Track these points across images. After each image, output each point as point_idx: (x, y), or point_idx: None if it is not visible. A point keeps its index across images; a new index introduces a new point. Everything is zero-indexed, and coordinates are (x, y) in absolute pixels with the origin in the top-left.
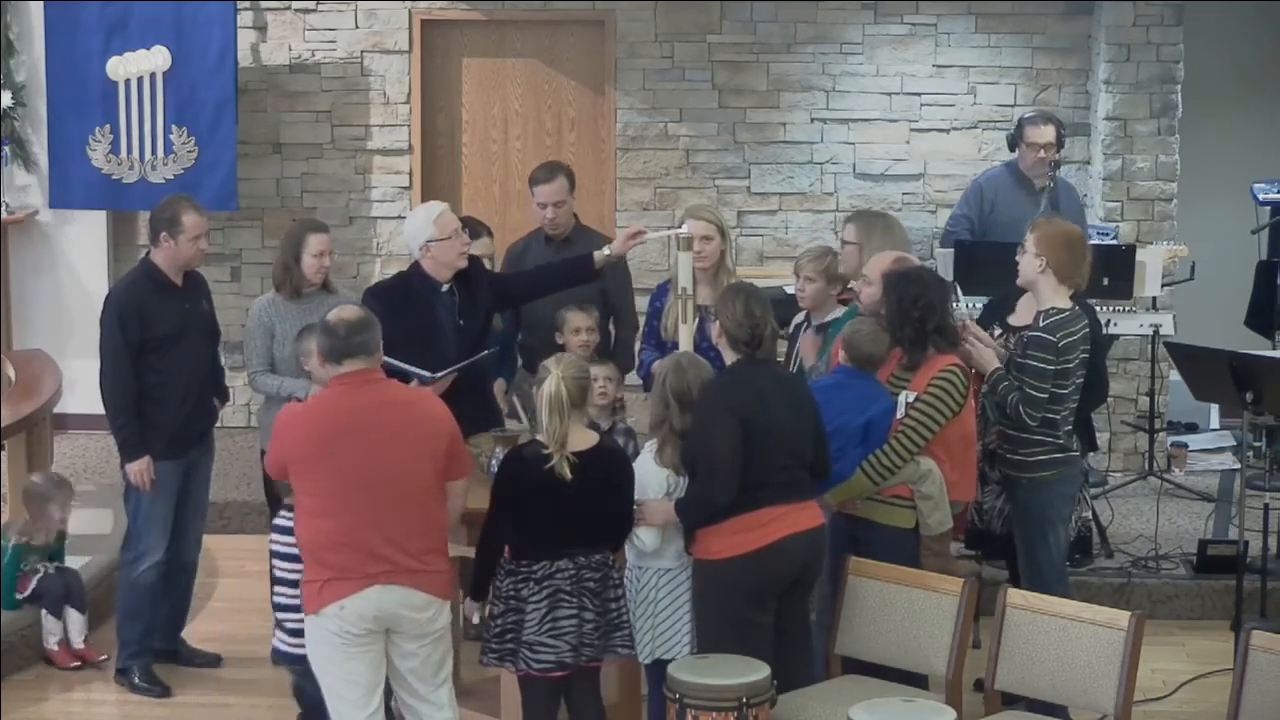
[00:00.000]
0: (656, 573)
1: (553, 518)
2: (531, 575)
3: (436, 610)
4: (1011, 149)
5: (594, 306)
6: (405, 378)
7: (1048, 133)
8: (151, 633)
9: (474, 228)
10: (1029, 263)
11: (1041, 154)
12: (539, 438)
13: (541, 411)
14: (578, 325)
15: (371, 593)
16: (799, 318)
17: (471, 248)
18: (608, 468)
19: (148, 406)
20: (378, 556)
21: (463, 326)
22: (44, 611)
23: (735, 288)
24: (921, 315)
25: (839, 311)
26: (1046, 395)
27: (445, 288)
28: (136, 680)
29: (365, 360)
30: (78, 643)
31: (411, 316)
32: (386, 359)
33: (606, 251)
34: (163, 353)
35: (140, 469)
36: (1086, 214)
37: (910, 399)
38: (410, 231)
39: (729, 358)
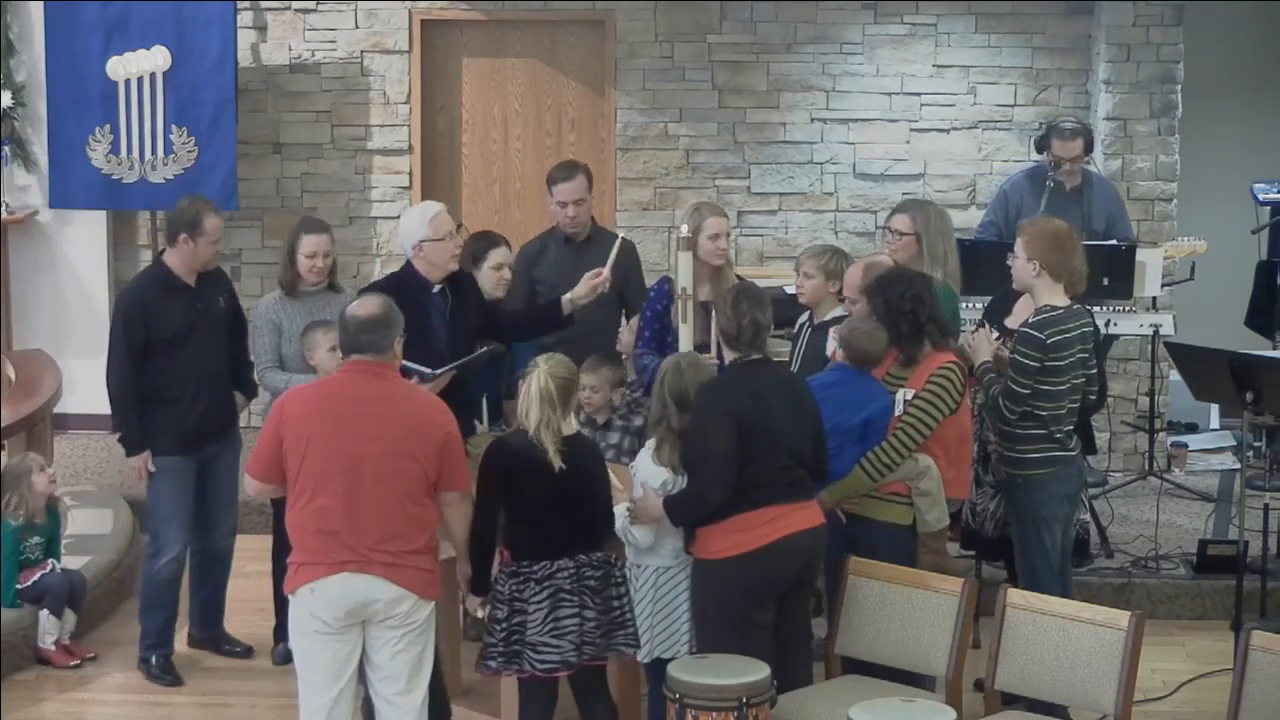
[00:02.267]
0: (655, 571)
1: (549, 512)
2: (532, 576)
3: (412, 605)
4: (1039, 151)
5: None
6: (405, 375)
7: (1074, 148)
8: (171, 624)
9: (492, 239)
10: (1021, 267)
11: (1067, 166)
12: (523, 426)
13: (530, 404)
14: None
15: (340, 579)
16: (804, 317)
17: (490, 257)
18: (588, 456)
19: (159, 406)
20: (348, 546)
21: (453, 326)
22: (45, 611)
23: (737, 289)
24: (913, 308)
25: (839, 309)
26: (1028, 391)
27: (437, 288)
28: (152, 668)
29: (373, 357)
30: (64, 641)
31: (404, 316)
32: None
33: (569, 296)
34: (171, 353)
35: (139, 464)
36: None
37: (908, 397)
38: (405, 230)
39: (728, 357)
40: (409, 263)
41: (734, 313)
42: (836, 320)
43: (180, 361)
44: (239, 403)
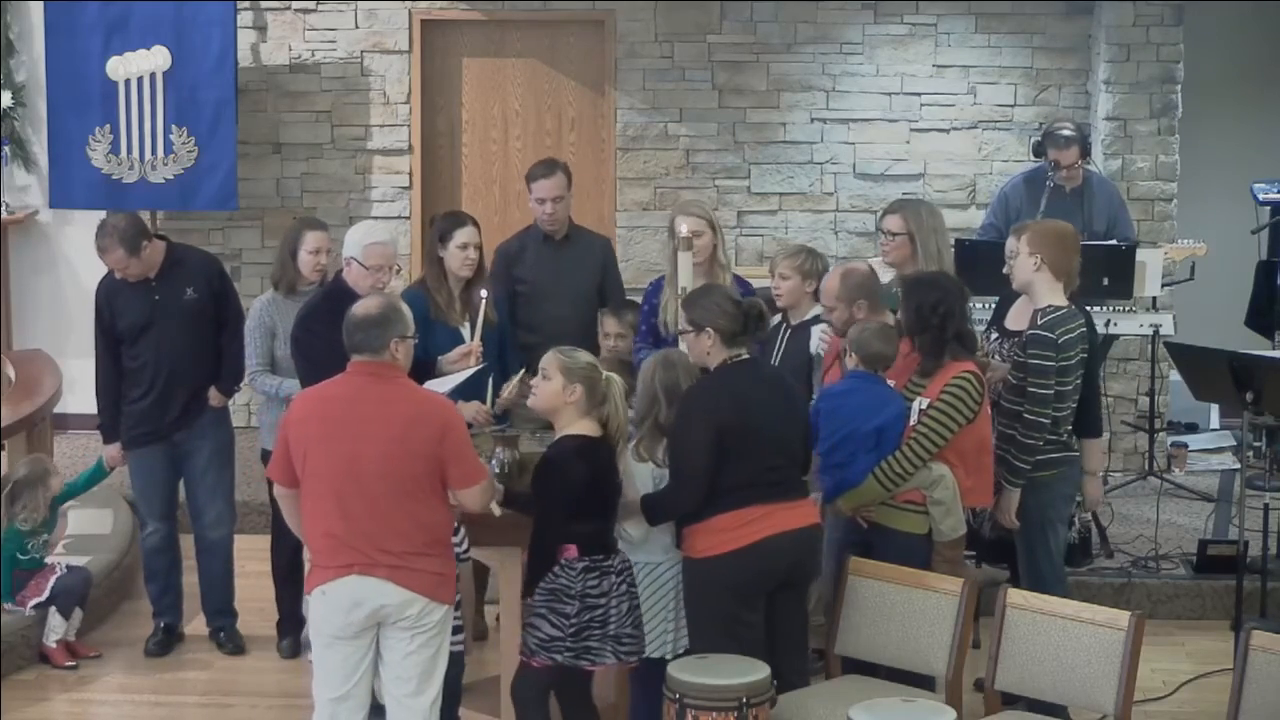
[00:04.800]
0: (644, 568)
1: (613, 508)
2: (611, 569)
3: (423, 607)
4: (1037, 155)
5: (628, 312)
6: None
7: (1070, 155)
8: (168, 596)
9: (460, 218)
10: (1023, 263)
11: (1064, 172)
12: (581, 431)
13: (617, 405)
14: (609, 330)
15: (350, 580)
16: (776, 318)
17: (456, 236)
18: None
19: (128, 391)
20: (353, 548)
21: None
22: (54, 609)
23: (702, 291)
24: (941, 322)
25: (816, 309)
26: (1051, 392)
27: None
28: (148, 640)
29: (370, 357)
30: (70, 638)
31: (337, 329)
32: None
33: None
34: (133, 342)
35: (113, 454)
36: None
37: (924, 405)
38: (347, 239)
39: (717, 359)
40: (339, 274)
41: (735, 308)
42: (815, 321)
43: (139, 353)
44: (214, 398)
